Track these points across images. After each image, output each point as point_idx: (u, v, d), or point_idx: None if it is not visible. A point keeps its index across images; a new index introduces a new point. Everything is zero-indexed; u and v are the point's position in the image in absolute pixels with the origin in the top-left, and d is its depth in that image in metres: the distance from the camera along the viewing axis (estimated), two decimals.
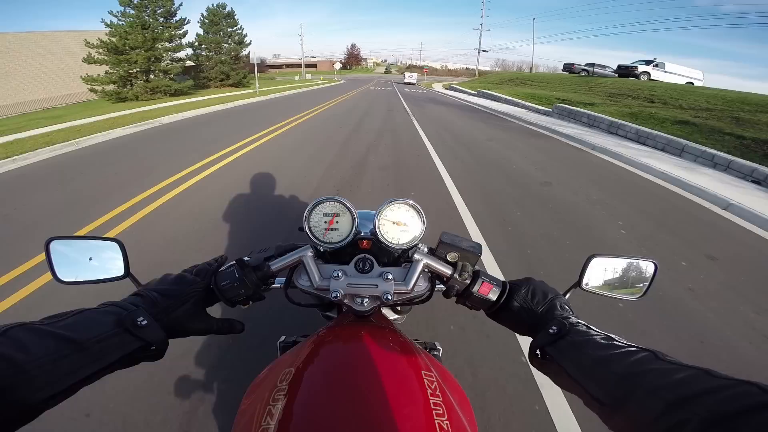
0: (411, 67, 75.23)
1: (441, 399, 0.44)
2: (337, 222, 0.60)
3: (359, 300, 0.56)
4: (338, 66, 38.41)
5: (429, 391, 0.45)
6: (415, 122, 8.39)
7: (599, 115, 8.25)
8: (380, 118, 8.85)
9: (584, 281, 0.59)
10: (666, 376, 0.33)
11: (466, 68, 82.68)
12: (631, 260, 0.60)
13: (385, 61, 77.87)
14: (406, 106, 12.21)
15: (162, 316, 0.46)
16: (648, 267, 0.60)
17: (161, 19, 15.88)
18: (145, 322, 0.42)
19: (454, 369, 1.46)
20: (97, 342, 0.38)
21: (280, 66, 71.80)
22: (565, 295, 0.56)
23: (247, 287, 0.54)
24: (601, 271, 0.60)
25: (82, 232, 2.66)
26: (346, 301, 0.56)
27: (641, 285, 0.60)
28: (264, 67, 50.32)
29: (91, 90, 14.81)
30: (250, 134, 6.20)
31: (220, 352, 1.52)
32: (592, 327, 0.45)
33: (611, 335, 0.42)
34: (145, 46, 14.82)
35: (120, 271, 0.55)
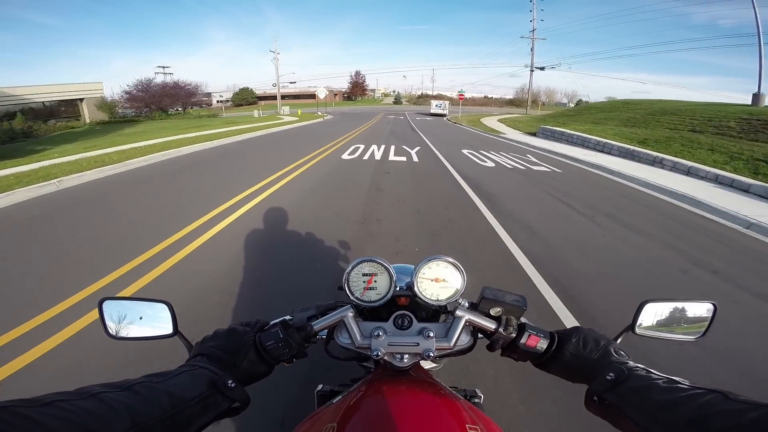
0: (438, 96, 75.15)
1: None
2: (375, 281, 0.66)
3: (399, 356, 0.61)
4: (322, 94, 31.44)
5: None
6: None
7: None
8: None
9: (637, 325, 0.63)
10: (738, 416, 0.34)
11: (485, 96, 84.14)
12: (686, 303, 0.64)
13: (395, 91, 79.61)
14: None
15: (233, 370, 0.55)
16: (706, 308, 0.63)
17: None
18: (234, 384, 0.51)
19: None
20: (199, 401, 0.46)
21: (266, 97, 73.31)
22: (616, 339, 0.60)
23: (291, 347, 0.60)
24: (654, 315, 0.64)
25: None
26: (386, 358, 0.61)
27: (698, 325, 0.63)
28: (200, 96, 47.15)
29: None
30: None
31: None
32: (652, 371, 0.48)
33: (674, 378, 0.45)
34: None
35: (169, 329, 0.64)
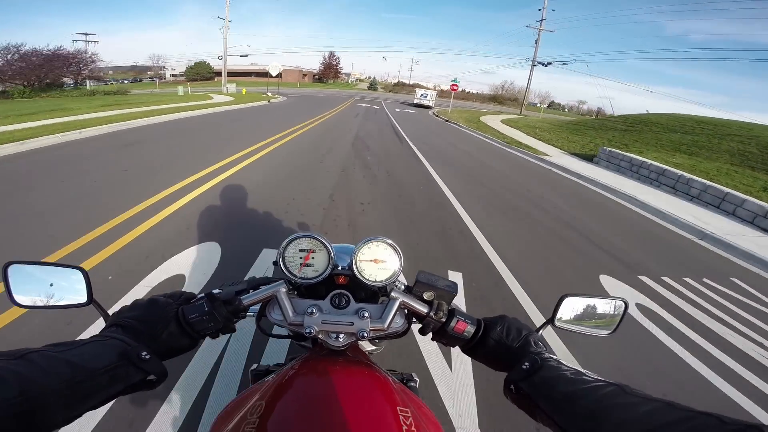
0: (416, 86, 70.09)
1: None
2: (312, 258, 0.66)
3: (334, 335, 0.62)
4: (275, 71, 26.50)
5: (404, 427, 0.49)
6: None
7: None
8: None
9: (557, 318, 0.68)
10: (631, 410, 0.39)
11: (463, 90, 78.02)
12: (601, 299, 0.70)
13: (370, 77, 71.14)
14: None
15: (150, 342, 0.53)
16: (618, 305, 0.70)
17: None
18: (148, 356, 0.50)
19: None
20: (105, 372, 0.45)
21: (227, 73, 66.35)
22: (538, 331, 0.64)
23: (217, 321, 0.59)
24: (572, 309, 0.70)
25: None
26: (320, 336, 0.62)
27: (610, 320, 0.70)
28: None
29: None
30: None
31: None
32: (563, 362, 0.53)
33: (581, 370, 0.50)
34: None
35: (83, 297, 0.61)
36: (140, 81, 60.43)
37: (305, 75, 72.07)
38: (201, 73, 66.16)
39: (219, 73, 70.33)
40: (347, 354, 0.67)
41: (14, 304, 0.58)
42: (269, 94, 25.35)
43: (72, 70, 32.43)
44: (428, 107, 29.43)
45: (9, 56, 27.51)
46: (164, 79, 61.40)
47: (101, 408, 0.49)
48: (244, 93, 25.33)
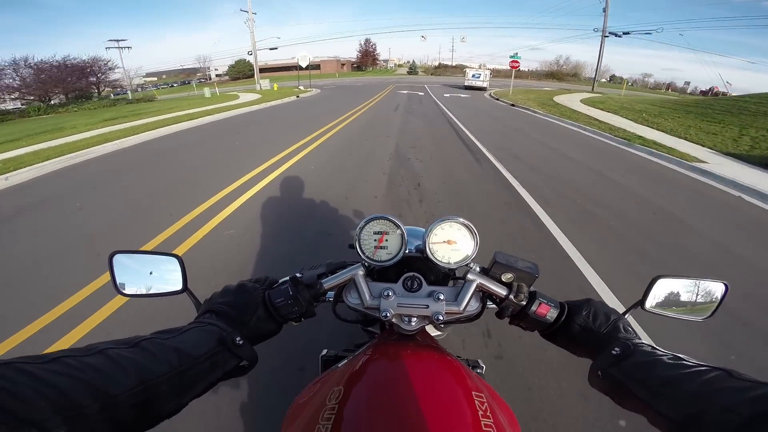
0: (458, 67, 65.14)
1: (492, 420, 0.50)
2: (386, 240, 0.66)
3: (407, 319, 0.62)
4: (304, 62, 24.35)
5: (480, 412, 0.49)
6: None
7: None
8: None
9: (647, 301, 0.65)
10: (742, 393, 0.36)
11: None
12: (699, 281, 0.65)
13: (409, 61, 66.65)
14: None
15: (242, 328, 0.57)
16: (717, 288, 0.65)
17: None
18: (242, 341, 0.52)
19: None
20: (206, 358, 0.47)
21: (266, 69, 68.71)
22: (625, 314, 0.61)
23: (300, 305, 0.62)
24: (665, 292, 0.65)
25: None
26: (394, 320, 0.63)
27: (708, 306, 0.65)
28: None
29: None
30: None
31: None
32: (657, 348, 0.50)
33: (679, 355, 0.46)
34: None
35: (178, 285, 0.66)
36: (188, 83, 62.82)
37: (343, 64, 70.09)
38: (243, 71, 66.47)
39: (262, 70, 70.90)
40: (417, 339, 0.67)
41: (118, 293, 0.64)
42: (301, 87, 23.21)
43: (92, 80, 30.45)
44: (482, 89, 25.44)
45: (20, 70, 25.42)
46: (210, 79, 62.84)
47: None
48: (275, 89, 23.54)
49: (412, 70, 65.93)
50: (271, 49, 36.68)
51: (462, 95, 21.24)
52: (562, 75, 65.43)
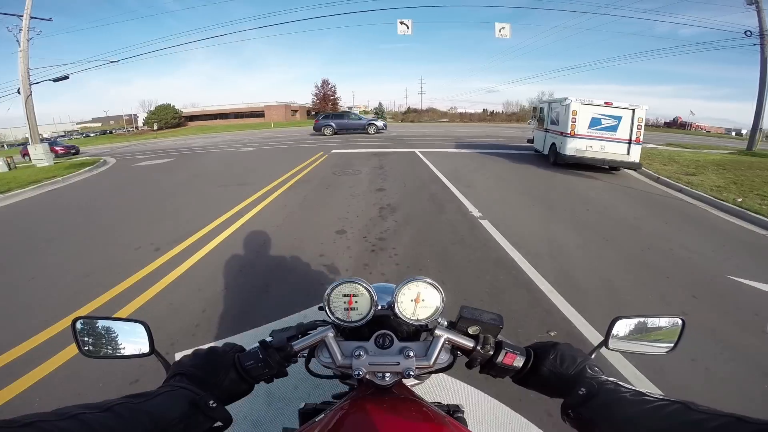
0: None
1: None
2: (356, 302, 0.70)
3: (381, 375, 0.67)
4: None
5: None
6: None
7: None
8: None
9: (610, 341, 0.70)
10: (700, 426, 0.38)
11: (486, 110, 61.36)
12: (656, 318, 0.71)
13: (374, 108, 55.34)
14: None
15: (213, 389, 0.59)
16: (675, 322, 0.70)
17: None
18: (215, 404, 0.54)
19: None
20: (180, 421, 0.48)
21: (199, 117, 59.36)
22: (591, 354, 0.67)
23: (271, 367, 0.64)
24: (626, 331, 0.70)
25: None
26: (368, 377, 0.67)
27: (668, 339, 0.70)
28: None
29: None
30: None
31: None
32: (621, 384, 0.56)
33: (641, 390, 0.51)
34: None
35: (146, 348, 0.67)
36: (111, 133, 57.44)
37: (296, 111, 57.70)
38: (165, 120, 51.91)
39: (190, 118, 57.12)
40: (392, 391, 0.70)
41: (84, 355, 0.65)
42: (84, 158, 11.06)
43: None
44: (627, 166, 9.36)
45: None
46: (138, 128, 57.47)
47: None
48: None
49: (380, 115, 54.08)
50: (55, 80, 15.97)
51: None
52: (526, 117, 56.03)
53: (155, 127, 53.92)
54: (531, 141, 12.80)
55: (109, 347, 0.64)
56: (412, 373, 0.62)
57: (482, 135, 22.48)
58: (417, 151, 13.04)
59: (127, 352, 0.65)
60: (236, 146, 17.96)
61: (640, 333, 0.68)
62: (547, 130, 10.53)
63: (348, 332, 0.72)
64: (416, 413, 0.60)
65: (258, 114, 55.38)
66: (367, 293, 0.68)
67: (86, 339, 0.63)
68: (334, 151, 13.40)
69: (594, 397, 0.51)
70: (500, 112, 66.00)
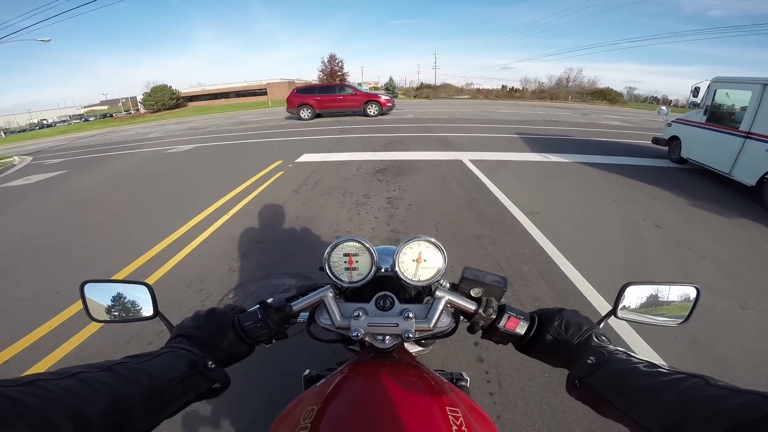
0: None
1: None
2: (356, 261, 0.70)
3: (380, 337, 0.67)
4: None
5: (454, 428, 0.51)
6: None
7: None
8: None
9: (619, 309, 0.68)
10: (721, 403, 0.36)
11: (505, 87, 53.87)
12: (669, 286, 0.69)
13: (386, 84, 48.68)
14: None
15: (213, 351, 0.61)
16: (689, 292, 0.68)
17: None
18: (214, 365, 0.56)
19: None
20: (178, 381, 0.50)
21: (198, 97, 54.31)
22: (599, 324, 0.66)
23: (270, 328, 0.65)
24: (636, 299, 0.68)
25: None
26: (367, 339, 0.68)
27: (681, 309, 0.68)
28: None
29: None
30: None
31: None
32: (633, 354, 0.52)
33: (654, 362, 0.49)
34: None
35: (149, 311, 0.69)
36: (112, 116, 54.81)
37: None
38: (163, 102, 47.46)
39: (189, 98, 52.27)
40: (394, 356, 0.71)
41: (91, 320, 0.67)
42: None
43: None
44: None
45: None
46: (138, 111, 54.35)
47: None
48: None
49: (391, 90, 46.84)
50: (41, 40, 10.71)
51: None
52: (560, 95, 46.83)
53: (141, 110, 50.82)
54: (659, 142, 7.56)
55: (114, 311, 0.67)
56: (411, 335, 0.62)
57: (537, 119, 15.28)
58: (465, 159, 6.81)
59: (132, 315, 0.67)
60: (181, 140, 12.12)
61: (651, 302, 0.65)
62: (748, 136, 5.13)
63: (350, 294, 0.73)
64: (416, 378, 0.62)
65: (260, 92, 52.17)
66: (368, 253, 0.68)
67: (95, 302, 0.65)
68: (304, 158, 7.36)
69: (603, 366, 0.49)
70: (521, 88, 60.17)
